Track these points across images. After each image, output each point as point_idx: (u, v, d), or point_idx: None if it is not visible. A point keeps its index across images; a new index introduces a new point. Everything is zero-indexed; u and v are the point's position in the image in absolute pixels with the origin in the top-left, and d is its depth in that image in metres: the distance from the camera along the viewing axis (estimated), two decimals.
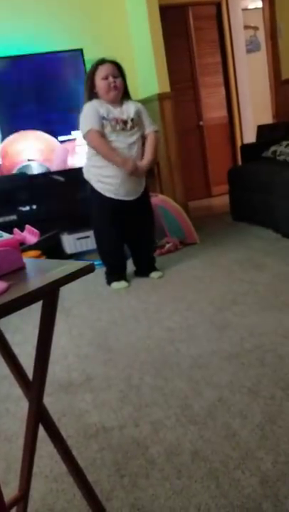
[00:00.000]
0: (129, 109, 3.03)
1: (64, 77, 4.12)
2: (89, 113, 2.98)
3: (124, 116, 2.99)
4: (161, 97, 4.28)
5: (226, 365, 1.99)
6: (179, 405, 1.75)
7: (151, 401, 1.81)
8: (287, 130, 4.55)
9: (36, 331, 1.04)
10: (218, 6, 5.84)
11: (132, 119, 3.01)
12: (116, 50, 4.21)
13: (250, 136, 5.87)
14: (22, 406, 1.89)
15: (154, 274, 3.31)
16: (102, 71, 2.96)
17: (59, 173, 4.12)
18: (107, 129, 2.96)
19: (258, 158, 4.54)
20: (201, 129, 5.98)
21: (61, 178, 4.11)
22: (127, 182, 3.05)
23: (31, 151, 4.05)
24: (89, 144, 3.02)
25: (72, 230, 4.07)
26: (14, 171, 4.04)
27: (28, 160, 4.03)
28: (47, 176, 4.10)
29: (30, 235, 0.99)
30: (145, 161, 3.07)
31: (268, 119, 5.60)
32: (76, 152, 4.18)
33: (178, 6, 5.53)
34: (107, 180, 3.05)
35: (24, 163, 4.04)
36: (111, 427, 1.69)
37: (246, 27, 6.20)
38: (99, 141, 2.95)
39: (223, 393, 1.78)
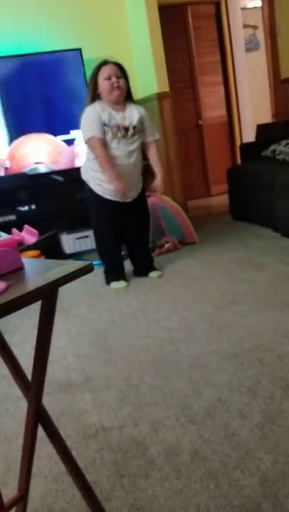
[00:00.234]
0: (132, 116, 3.01)
1: (62, 76, 4.11)
2: (90, 118, 2.95)
3: (126, 123, 2.98)
4: (160, 97, 4.27)
5: (226, 365, 1.99)
6: (178, 405, 1.75)
7: (150, 401, 1.81)
8: (287, 129, 4.54)
9: (35, 331, 1.04)
10: (217, 5, 5.83)
11: (134, 127, 3.00)
12: (115, 49, 4.22)
13: (249, 135, 5.87)
14: (21, 406, 1.88)
15: (153, 274, 3.31)
16: (105, 72, 2.95)
17: (58, 173, 4.11)
18: (108, 136, 2.95)
19: (258, 158, 4.53)
20: (200, 128, 5.98)
21: (60, 178, 4.10)
22: (126, 187, 3.05)
23: (38, 153, 4.06)
24: (90, 149, 3.02)
25: (71, 229, 4.07)
26: None
27: (36, 163, 4.03)
28: (46, 175, 4.09)
29: (28, 235, 0.99)
30: (160, 178, 3.15)
31: (267, 118, 5.59)
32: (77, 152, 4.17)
33: (177, 5, 5.53)
34: (105, 185, 3.05)
35: (32, 166, 4.04)
36: (110, 427, 1.69)
37: (245, 26, 6.19)
38: (99, 150, 2.94)
39: (223, 393, 1.78)
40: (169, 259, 3.66)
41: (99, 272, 3.31)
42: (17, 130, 4.02)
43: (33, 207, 4.03)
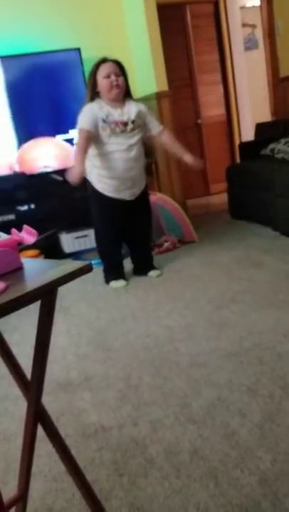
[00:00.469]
0: (130, 111, 3.02)
1: (61, 76, 4.11)
2: (84, 113, 2.99)
3: (125, 118, 2.99)
4: (159, 96, 4.27)
5: (225, 364, 1.99)
6: (177, 404, 1.75)
7: (150, 400, 1.81)
8: (286, 128, 4.54)
9: (34, 331, 1.04)
10: (216, 3, 5.83)
11: (133, 121, 3.01)
12: (113, 48, 4.20)
13: (248, 134, 5.86)
14: (21, 405, 1.88)
15: (152, 273, 3.31)
16: (104, 70, 2.95)
17: (57, 172, 4.11)
18: (107, 132, 2.96)
19: (257, 156, 4.53)
20: (199, 127, 5.98)
21: (59, 177, 4.10)
22: (127, 183, 3.06)
23: (47, 157, 4.08)
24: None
25: (70, 229, 4.07)
26: None
27: (44, 166, 4.04)
28: (45, 175, 4.09)
29: (28, 235, 0.99)
30: (188, 155, 3.11)
31: (266, 116, 5.59)
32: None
33: (175, 4, 5.52)
34: (107, 181, 3.06)
35: (40, 170, 4.05)
36: (110, 426, 1.69)
37: (244, 25, 6.19)
38: (80, 140, 2.97)
39: (222, 392, 1.78)
40: (169, 258, 3.66)
41: (98, 271, 3.31)
42: (21, 131, 4.02)
43: (32, 206, 4.03)
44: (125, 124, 2.99)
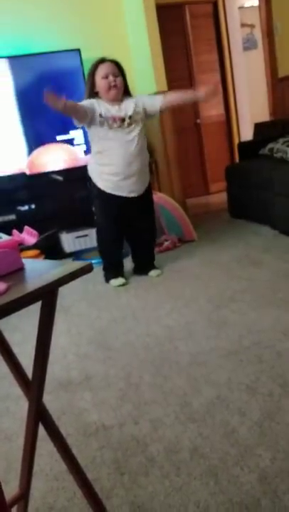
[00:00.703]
0: (127, 107, 3.03)
1: (61, 76, 4.12)
2: (84, 102, 3.00)
3: (122, 114, 3.01)
4: None
5: (225, 363, 2.00)
6: (177, 403, 1.76)
7: (150, 399, 1.82)
8: (284, 127, 4.55)
9: (35, 330, 1.05)
10: (215, 4, 5.84)
11: (130, 117, 3.02)
12: (113, 49, 4.22)
13: (247, 134, 5.88)
14: (22, 405, 1.89)
15: (152, 273, 3.32)
16: (102, 70, 2.97)
17: (57, 172, 4.12)
18: (105, 127, 2.98)
19: (255, 156, 4.54)
20: (199, 127, 5.99)
21: (59, 178, 4.11)
22: (128, 179, 3.06)
23: (56, 162, 4.11)
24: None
25: (70, 228, 4.08)
26: None
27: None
28: (45, 175, 4.10)
29: (28, 236, 1.00)
30: (199, 92, 3.11)
31: (264, 116, 5.60)
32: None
33: (174, 5, 5.53)
34: (108, 178, 3.07)
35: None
36: (110, 425, 1.70)
37: (243, 25, 6.20)
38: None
39: (222, 390, 1.79)
40: (168, 257, 3.67)
41: (99, 270, 3.32)
42: (29, 134, 4.06)
43: (33, 206, 4.04)
44: (122, 119, 3.01)
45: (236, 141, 5.91)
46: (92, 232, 3.89)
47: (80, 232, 4.04)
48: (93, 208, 3.34)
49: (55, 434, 1.16)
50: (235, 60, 6.01)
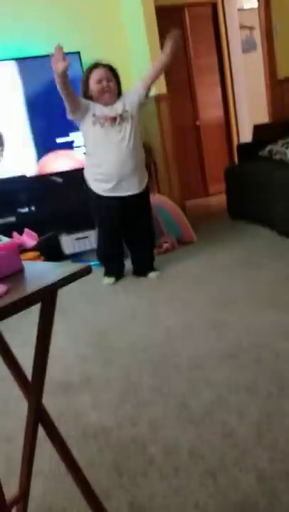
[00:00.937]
0: (117, 107, 3.07)
1: None
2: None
3: (113, 114, 3.04)
4: (158, 99, 4.29)
5: (224, 364, 2.00)
6: (176, 404, 1.77)
7: (149, 400, 1.83)
8: (283, 129, 4.56)
9: (35, 332, 1.06)
10: (214, 6, 5.85)
11: (120, 115, 3.05)
12: (113, 51, 4.23)
13: (246, 136, 5.88)
14: (22, 406, 1.89)
15: (152, 274, 3.33)
16: (96, 75, 3.02)
17: (57, 174, 4.13)
18: (97, 126, 3.03)
19: (255, 158, 4.55)
20: (198, 129, 6.00)
21: (59, 180, 4.12)
22: (124, 178, 3.09)
23: (64, 169, 4.16)
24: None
25: (70, 230, 4.08)
26: None
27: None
28: (45, 177, 4.11)
29: (28, 238, 1.01)
30: (166, 47, 2.99)
31: (264, 118, 5.61)
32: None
33: (174, 7, 5.54)
34: (101, 177, 3.10)
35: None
36: (110, 426, 1.70)
37: (242, 27, 6.21)
38: None
39: (221, 392, 1.80)
40: (168, 258, 3.68)
41: (98, 272, 3.33)
42: (36, 137, 4.09)
43: (33, 208, 4.05)
44: (114, 119, 3.04)
45: (235, 143, 5.92)
46: (92, 234, 3.90)
47: (80, 234, 4.05)
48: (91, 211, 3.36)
49: (55, 435, 1.16)
50: (235, 62, 6.02)
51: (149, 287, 3.16)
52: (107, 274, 3.39)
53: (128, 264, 3.46)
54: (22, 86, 4.03)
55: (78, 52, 4.09)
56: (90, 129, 3.05)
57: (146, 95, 3.14)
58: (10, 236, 1.02)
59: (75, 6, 4.34)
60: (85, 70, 3.08)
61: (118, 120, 3.04)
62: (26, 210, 4.03)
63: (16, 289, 0.86)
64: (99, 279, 3.35)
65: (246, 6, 6.31)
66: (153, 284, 3.21)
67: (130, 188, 3.13)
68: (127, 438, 1.62)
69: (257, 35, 6.15)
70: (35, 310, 1.00)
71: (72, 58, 4.02)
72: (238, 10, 6.07)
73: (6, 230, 1.40)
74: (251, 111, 6.08)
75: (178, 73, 5.65)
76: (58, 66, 2.74)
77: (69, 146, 4.17)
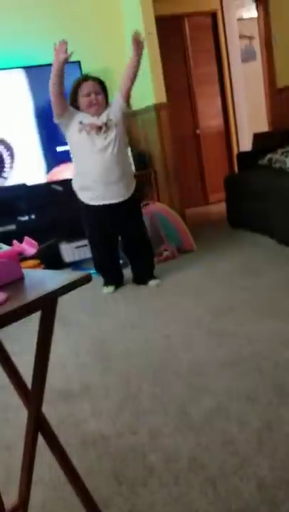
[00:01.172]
0: (103, 117, 3.10)
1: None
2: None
3: (99, 123, 3.08)
4: (157, 108, 4.31)
5: (224, 372, 2.00)
6: (176, 413, 1.77)
7: (149, 409, 1.83)
8: (283, 138, 4.58)
9: (35, 340, 1.06)
10: (214, 16, 5.90)
11: (106, 123, 3.08)
12: (113, 61, 4.27)
13: (246, 144, 5.91)
14: (21, 415, 1.89)
15: (152, 282, 3.33)
16: (85, 88, 3.06)
17: (57, 182, 4.15)
18: (83, 133, 3.06)
19: (254, 166, 4.57)
20: (198, 138, 6.02)
21: (59, 188, 4.13)
22: (110, 186, 3.10)
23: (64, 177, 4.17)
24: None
25: (70, 238, 4.09)
26: None
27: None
28: (45, 185, 4.12)
29: (28, 246, 1.01)
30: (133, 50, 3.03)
31: (263, 127, 5.64)
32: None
33: (174, 17, 5.59)
34: (88, 185, 3.13)
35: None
36: (109, 435, 1.70)
37: (242, 36, 6.26)
38: None
39: (221, 400, 1.80)
40: (168, 266, 3.68)
41: (98, 280, 3.33)
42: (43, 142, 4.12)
43: (33, 216, 4.06)
44: (99, 127, 3.07)
45: (235, 152, 5.94)
46: None
47: (80, 243, 4.06)
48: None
49: (55, 444, 1.16)
50: (234, 72, 6.06)
51: (149, 295, 3.16)
52: (106, 283, 3.40)
53: (128, 272, 3.46)
54: (30, 94, 4.07)
55: (79, 62, 4.12)
56: (76, 136, 3.08)
57: (128, 105, 3.18)
58: (10, 244, 1.03)
59: (76, 15, 4.38)
60: (73, 82, 3.10)
61: (104, 129, 3.08)
62: (26, 218, 4.04)
63: (16, 297, 0.87)
64: (99, 288, 3.36)
65: (246, 16, 6.36)
66: (153, 292, 3.22)
67: (116, 196, 3.14)
68: (127, 446, 1.62)
69: (256, 45, 6.20)
70: (35, 318, 1.00)
71: (72, 67, 4.11)
72: (238, 20, 6.13)
73: (6, 238, 1.40)
74: (251, 120, 6.12)
75: (178, 83, 5.70)
76: (60, 55, 2.82)
77: (67, 155, 4.19)
